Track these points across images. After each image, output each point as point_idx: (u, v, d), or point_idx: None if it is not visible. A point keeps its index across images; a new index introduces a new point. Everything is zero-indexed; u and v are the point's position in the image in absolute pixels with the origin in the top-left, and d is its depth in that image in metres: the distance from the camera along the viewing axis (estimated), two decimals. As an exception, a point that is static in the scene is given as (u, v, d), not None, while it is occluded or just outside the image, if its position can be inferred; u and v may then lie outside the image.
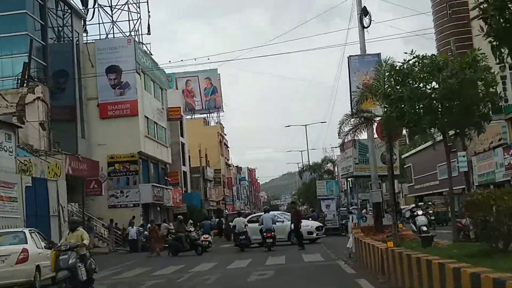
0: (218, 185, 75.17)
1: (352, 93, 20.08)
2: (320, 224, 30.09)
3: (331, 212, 34.34)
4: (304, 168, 53.29)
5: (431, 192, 61.40)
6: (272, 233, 25.07)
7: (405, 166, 73.04)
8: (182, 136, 61.34)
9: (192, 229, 28.52)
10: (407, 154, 69.60)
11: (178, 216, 32.58)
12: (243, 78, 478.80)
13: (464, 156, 49.01)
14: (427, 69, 15.31)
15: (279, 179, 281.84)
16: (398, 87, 15.89)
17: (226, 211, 77.46)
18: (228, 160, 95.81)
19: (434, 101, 15.50)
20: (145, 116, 44.33)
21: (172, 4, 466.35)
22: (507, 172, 37.82)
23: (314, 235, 28.48)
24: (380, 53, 19.13)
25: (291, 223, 25.68)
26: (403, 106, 15.61)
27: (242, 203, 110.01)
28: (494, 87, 15.75)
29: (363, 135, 20.13)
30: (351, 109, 19.77)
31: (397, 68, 16.07)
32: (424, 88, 15.59)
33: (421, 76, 15.47)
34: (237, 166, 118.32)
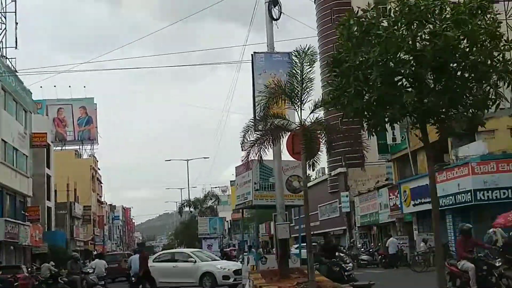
0: (88, 223, 69.41)
1: (257, 94, 15.61)
2: (239, 267, 22.43)
3: (214, 253, 30.89)
4: (185, 204, 49.80)
5: (312, 233, 59.68)
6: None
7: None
8: (48, 167, 55.78)
9: (91, 270, 24.22)
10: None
11: (73, 254, 27.62)
12: (126, 113, 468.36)
13: (347, 196, 47.78)
14: (414, 13, 9.52)
15: (155, 219, 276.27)
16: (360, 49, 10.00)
17: (95, 251, 71.88)
18: (100, 196, 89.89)
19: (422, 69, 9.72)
20: (2, 140, 38.98)
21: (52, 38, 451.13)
22: (393, 213, 36.40)
23: (231, 280, 22.46)
24: (291, 52, 14.57)
25: (139, 269, 20.71)
26: (368, 76, 9.75)
27: (114, 243, 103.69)
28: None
29: (268, 155, 15.41)
30: (254, 116, 15.31)
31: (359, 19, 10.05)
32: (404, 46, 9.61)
33: (402, 24, 9.69)
34: (110, 204, 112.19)
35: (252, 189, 18.20)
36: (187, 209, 62.68)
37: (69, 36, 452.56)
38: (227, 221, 72.76)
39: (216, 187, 76.95)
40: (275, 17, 16.41)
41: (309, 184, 61.54)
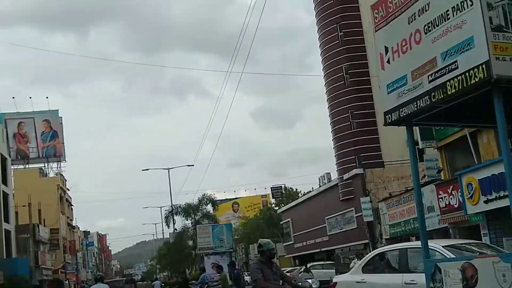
0: (56, 249, 60.07)
1: None
2: None
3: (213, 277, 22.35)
4: (174, 211, 38.16)
5: (318, 250, 51.32)
6: None
7: (281, 222, 62.98)
8: (5, 184, 46.96)
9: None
10: (284, 208, 59.36)
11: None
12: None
13: (368, 202, 39.65)
14: None
15: (133, 248, 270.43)
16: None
17: (67, 281, 62.60)
18: (71, 220, 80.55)
19: None
20: None
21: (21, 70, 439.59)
22: (445, 216, 28.32)
23: None
24: None
25: None
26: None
27: (89, 272, 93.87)
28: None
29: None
30: None
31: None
32: None
33: None
34: (84, 231, 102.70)
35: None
36: (169, 229, 53.96)
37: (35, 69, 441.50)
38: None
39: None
40: None
41: (310, 194, 53.63)
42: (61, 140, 72.36)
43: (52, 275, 57.69)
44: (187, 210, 35.34)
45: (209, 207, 46.21)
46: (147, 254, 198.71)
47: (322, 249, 49.88)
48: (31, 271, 48.66)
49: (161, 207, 78.54)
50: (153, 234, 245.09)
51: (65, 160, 73.19)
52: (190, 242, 45.57)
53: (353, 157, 42.18)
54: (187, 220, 37.24)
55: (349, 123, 42.90)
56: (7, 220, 46.41)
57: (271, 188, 65.67)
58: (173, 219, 35.06)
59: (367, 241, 40.23)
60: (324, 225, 48.99)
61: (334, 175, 49.23)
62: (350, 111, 43.26)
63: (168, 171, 54.02)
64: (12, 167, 69.59)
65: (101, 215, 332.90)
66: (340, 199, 44.06)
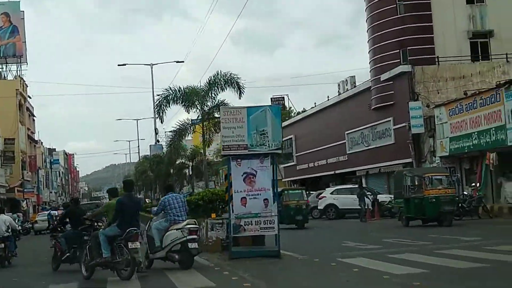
0: (11, 162, 50.21)
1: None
2: None
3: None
4: (171, 97, 25.53)
5: (330, 172, 42.56)
6: None
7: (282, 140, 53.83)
8: None
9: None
10: (285, 123, 50.17)
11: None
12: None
13: (419, 108, 30.59)
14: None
15: (102, 171, 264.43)
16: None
17: (24, 201, 53.31)
18: (33, 133, 70.34)
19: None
20: None
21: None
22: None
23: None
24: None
25: None
26: None
27: (52, 192, 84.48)
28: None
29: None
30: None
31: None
32: None
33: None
34: (49, 148, 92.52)
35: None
36: (163, 123, 44.53)
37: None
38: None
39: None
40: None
41: (325, 105, 44.14)
42: (22, 38, 61.14)
43: (6, 193, 48.16)
44: (189, 97, 24.43)
45: (226, 94, 35.35)
46: (117, 177, 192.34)
47: (337, 171, 41.12)
48: (-23, 187, 39.21)
49: (137, 120, 68.95)
50: (126, 154, 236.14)
51: (26, 62, 62.22)
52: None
53: (397, 51, 32.64)
54: (188, 112, 26.35)
55: (394, 6, 33.04)
56: None
57: (271, 99, 56.13)
58: (165, 108, 24.43)
59: (409, 160, 31.40)
60: (343, 141, 40.04)
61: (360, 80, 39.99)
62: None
63: (151, 68, 44.24)
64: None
65: (71, 137, 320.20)
66: (372, 107, 34.86)
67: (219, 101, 25.40)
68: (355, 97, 38.14)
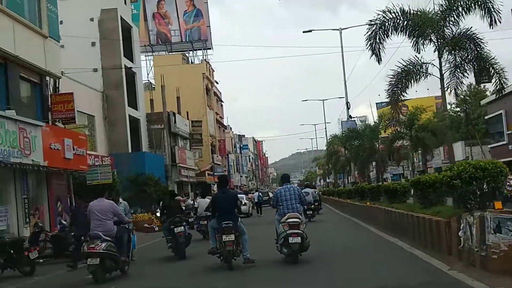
0: (199, 145, 49.63)
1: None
2: None
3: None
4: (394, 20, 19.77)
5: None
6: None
7: (486, 117, 47.09)
8: (130, 58, 36.42)
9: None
10: (490, 98, 43.50)
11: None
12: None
13: None
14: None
15: (288, 158, 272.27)
16: None
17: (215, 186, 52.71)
18: (222, 118, 70.46)
19: None
20: None
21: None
22: None
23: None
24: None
25: None
26: None
27: (243, 176, 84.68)
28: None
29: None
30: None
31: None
32: None
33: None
34: (238, 134, 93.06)
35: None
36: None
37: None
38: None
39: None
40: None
41: None
42: (207, 23, 60.82)
43: (195, 177, 47.61)
44: (421, 23, 16.44)
45: (472, 21, 26.07)
46: (302, 163, 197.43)
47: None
48: (166, 170, 38.59)
49: (323, 100, 66.09)
50: (311, 139, 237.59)
51: (211, 47, 61.87)
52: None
53: None
54: (416, 50, 18.08)
55: None
56: (134, 106, 36.11)
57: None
58: (382, 41, 17.00)
59: None
60: None
61: None
62: None
63: (340, 33, 40.26)
64: (154, 54, 59.98)
65: (256, 126, 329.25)
66: None
67: (464, 30, 18.04)
68: None
